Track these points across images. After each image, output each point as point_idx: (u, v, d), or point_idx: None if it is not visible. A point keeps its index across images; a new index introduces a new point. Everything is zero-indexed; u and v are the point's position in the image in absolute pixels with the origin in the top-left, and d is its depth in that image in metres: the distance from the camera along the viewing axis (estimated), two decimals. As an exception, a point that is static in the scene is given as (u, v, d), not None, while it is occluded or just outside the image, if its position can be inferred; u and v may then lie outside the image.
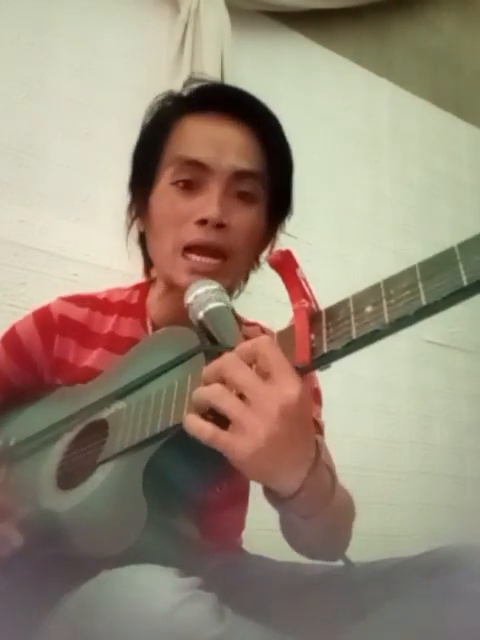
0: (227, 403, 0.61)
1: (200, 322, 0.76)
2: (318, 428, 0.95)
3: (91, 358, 0.95)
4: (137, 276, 1.09)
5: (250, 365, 0.62)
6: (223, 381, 0.62)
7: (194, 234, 0.87)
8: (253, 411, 0.60)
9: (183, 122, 0.93)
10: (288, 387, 0.60)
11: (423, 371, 2.31)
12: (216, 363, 0.64)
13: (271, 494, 0.67)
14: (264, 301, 1.70)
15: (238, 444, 0.60)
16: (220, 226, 0.87)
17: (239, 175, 0.89)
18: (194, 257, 0.87)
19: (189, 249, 0.88)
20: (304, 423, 0.63)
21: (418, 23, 2.65)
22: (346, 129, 2.38)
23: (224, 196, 0.88)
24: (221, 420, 0.62)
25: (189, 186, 0.89)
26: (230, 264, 0.89)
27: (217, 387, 0.62)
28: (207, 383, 0.64)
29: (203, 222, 0.87)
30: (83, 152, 1.83)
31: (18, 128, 1.75)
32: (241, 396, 0.61)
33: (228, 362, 0.62)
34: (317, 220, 2.20)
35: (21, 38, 1.81)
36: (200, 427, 0.62)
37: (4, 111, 1.75)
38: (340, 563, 0.76)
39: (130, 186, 0.99)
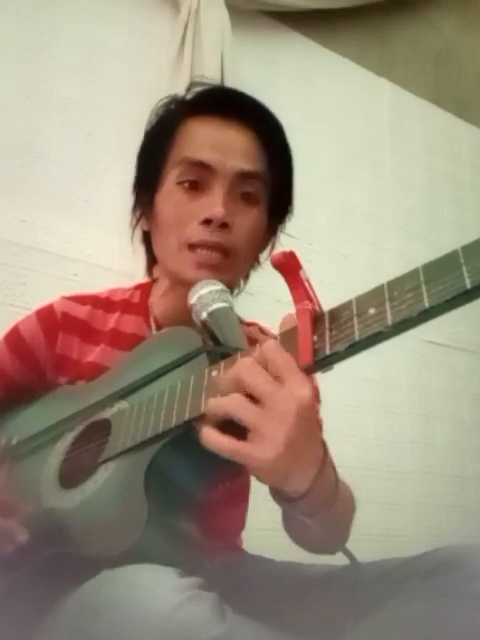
0: (245, 412, 0.61)
1: (203, 322, 0.76)
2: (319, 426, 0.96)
3: (94, 354, 0.96)
4: (138, 276, 1.10)
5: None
6: (240, 388, 0.62)
7: (199, 234, 0.89)
8: (270, 416, 0.60)
9: (188, 125, 0.95)
10: (300, 387, 0.60)
11: (424, 371, 2.31)
12: (233, 371, 0.63)
13: (279, 494, 0.68)
14: (265, 301, 1.70)
15: (258, 452, 0.60)
16: (224, 226, 0.89)
17: (242, 176, 0.91)
18: (200, 251, 0.89)
19: (194, 246, 0.90)
20: (314, 423, 0.63)
21: (419, 23, 2.65)
22: (347, 129, 2.38)
23: (228, 197, 0.90)
24: (234, 427, 0.62)
25: (195, 186, 0.91)
26: (233, 262, 0.91)
27: (235, 396, 0.62)
28: (225, 392, 0.63)
29: (208, 222, 0.88)
30: (83, 152, 1.83)
31: (18, 128, 1.75)
32: (256, 402, 0.61)
33: (246, 369, 0.62)
34: (318, 220, 2.20)
35: (21, 38, 1.81)
36: (219, 441, 0.62)
37: (4, 111, 1.75)
38: (341, 563, 0.76)
39: (135, 187, 1.01)
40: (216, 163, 0.90)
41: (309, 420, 0.61)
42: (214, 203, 0.89)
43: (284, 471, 0.62)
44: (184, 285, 0.87)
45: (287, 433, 0.59)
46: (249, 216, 0.92)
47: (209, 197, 0.90)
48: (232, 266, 0.91)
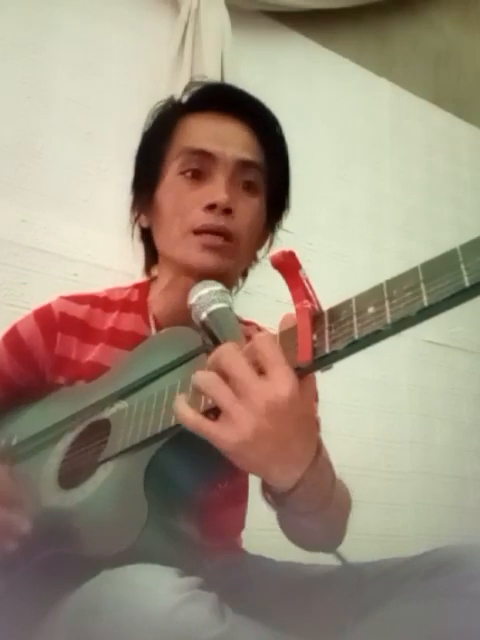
0: (217, 391, 0.62)
1: (203, 323, 0.76)
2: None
3: (93, 354, 0.96)
4: (138, 276, 1.10)
5: (251, 362, 0.63)
6: (218, 369, 0.63)
7: (202, 219, 0.90)
8: (242, 403, 0.61)
9: (186, 120, 0.96)
10: (280, 384, 0.60)
11: (424, 371, 2.31)
12: (216, 351, 0.65)
13: (267, 494, 0.67)
14: (264, 301, 1.70)
15: (223, 434, 0.61)
16: (227, 211, 0.89)
17: (243, 165, 0.93)
18: (204, 234, 0.90)
19: (198, 231, 0.90)
20: (300, 422, 0.63)
21: (419, 23, 2.65)
22: (346, 129, 2.38)
23: (230, 184, 0.91)
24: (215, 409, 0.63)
25: (197, 175, 0.92)
26: (235, 247, 0.91)
27: (211, 375, 0.63)
28: (209, 369, 0.65)
29: (211, 207, 0.89)
30: (83, 152, 1.83)
31: (18, 128, 1.75)
32: (235, 387, 0.62)
33: (225, 352, 0.64)
34: (318, 220, 2.20)
35: (21, 38, 1.81)
36: (184, 412, 0.64)
37: (4, 111, 1.75)
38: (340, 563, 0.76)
39: (133, 185, 1.01)
40: (217, 152, 0.91)
41: (287, 417, 0.61)
42: (217, 190, 0.90)
43: (257, 462, 0.62)
44: (188, 273, 0.89)
45: (256, 424, 0.60)
46: (250, 204, 0.93)
47: (211, 185, 0.91)
48: (234, 251, 0.91)
